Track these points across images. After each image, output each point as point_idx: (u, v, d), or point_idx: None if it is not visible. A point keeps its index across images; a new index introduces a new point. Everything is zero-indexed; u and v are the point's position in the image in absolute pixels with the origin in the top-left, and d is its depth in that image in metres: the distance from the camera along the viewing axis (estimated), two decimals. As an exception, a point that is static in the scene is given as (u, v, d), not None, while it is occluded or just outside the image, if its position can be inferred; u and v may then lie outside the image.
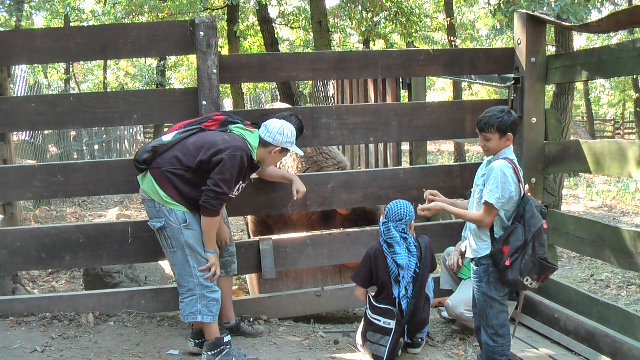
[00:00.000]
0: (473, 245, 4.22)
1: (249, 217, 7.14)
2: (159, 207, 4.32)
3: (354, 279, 4.85)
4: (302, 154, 4.93)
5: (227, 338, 4.44)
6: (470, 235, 4.26)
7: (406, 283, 4.58)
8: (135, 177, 4.58)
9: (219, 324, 4.69)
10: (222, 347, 4.37)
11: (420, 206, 4.37)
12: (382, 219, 4.76)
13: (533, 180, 5.38)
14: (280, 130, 4.51)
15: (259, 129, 4.62)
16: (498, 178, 3.96)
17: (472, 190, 4.43)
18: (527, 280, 3.95)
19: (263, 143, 4.52)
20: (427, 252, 4.70)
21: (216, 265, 4.41)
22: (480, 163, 4.51)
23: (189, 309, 4.35)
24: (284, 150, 4.61)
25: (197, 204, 4.33)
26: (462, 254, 5.15)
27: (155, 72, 26.65)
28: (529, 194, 4.25)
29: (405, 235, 4.64)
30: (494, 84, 7.67)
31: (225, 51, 21.15)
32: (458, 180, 5.56)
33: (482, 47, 22.69)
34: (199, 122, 4.64)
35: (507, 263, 3.93)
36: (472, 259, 4.24)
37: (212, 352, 4.36)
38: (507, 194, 3.98)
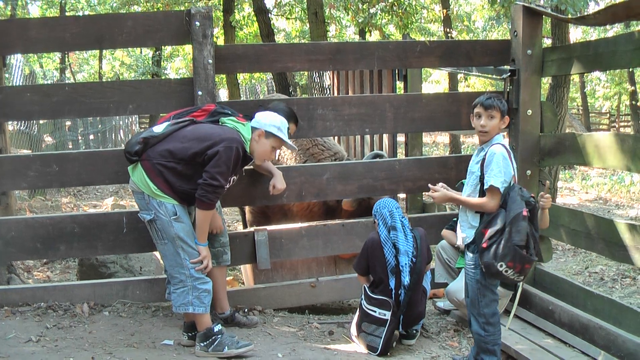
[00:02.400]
0: (466, 233, 4.26)
1: (246, 208, 7.14)
2: (149, 200, 4.30)
3: (355, 269, 4.90)
4: (288, 140, 4.74)
5: (217, 328, 4.43)
6: (463, 225, 4.31)
7: (406, 273, 4.60)
8: (130, 167, 4.57)
9: (213, 314, 4.70)
10: (213, 338, 4.37)
11: (430, 187, 4.48)
12: (382, 211, 4.77)
13: (528, 172, 5.39)
14: (266, 116, 4.56)
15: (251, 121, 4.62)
16: (500, 162, 4.06)
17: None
18: (501, 266, 3.88)
19: (253, 131, 4.53)
20: (422, 243, 4.72)
21: (208, 258, 4.42)
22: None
23: (181, 300, 4.35)
24: (270, 137, 4.55)
25: (187, 197, 4.34)
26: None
27: (151, 62, 26.64)
28: (547, 200, 4.40)
29: (404, 221, 4.70)
30: (490, 76, 7.65)
31: (221, 41, 21.08)
32: (453, 172, 5.56)
33: (479, 39, 22.66)
34: (188, 112, 4.65)
35: (484, 245, 3.96)
36: (467, 247, 4.26)
37: (205, 343, 4.36)
38: (509, 178, 4.08)
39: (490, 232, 3.96)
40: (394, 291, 4.62)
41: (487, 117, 4.23)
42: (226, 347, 4.34)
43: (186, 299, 4.33)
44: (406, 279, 4.60)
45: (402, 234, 4.66)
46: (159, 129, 4.42)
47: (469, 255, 4.23)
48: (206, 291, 4.38)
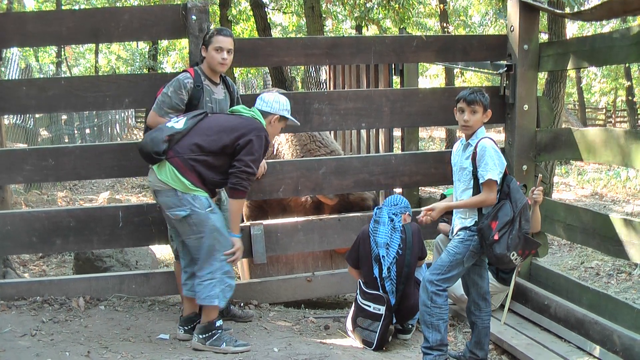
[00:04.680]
0: (461, 223, 4.25)
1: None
2: (182, 196, 4.26)
3: (347, 259, 4.94)
4: (298, 124, 4.96)
5: (218, 323, 4.43)
6: (456, 218, 4.31)
7: (389, 263, 4.62)
8: (126, 161, 4.56)
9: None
10: (213, 332, 4.38)
11: (424, 208, 4.39)
12: (376, 208, 4.85)
13: (524, 167, 5.39)
14: (275, 99, 4.62)
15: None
16: (493, 156, 4.09)
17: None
18: (513, 255, 4.04)
19: (263, 115, 4.57)
20: (413, 237, 4.73)
21: (241, 250, 4.46)
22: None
23: (207, 292, 4.32)
24: (282, 120, 4.68)
25: (213, 189, 4.43)
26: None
27: (147, 56, 26.61)
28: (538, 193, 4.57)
29: (394, 218, 4.71)
30: (486, 71, 7.66)
31: (217, 36, 21.00)
32: (449, 167, 5.55)
33: (475, 34, 22.64)
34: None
35: (496, 237, 4.01)
36: (462, 229, 4.25)
37: (204, 335, 4.37)
38: (502, 169, 4.12)
39: (500, 223, 4.03)
40: (378, 279, 4.65)
41: (470, 112, 4.22)
42: (224, 344, 4.34)
43: (213, 291, 4.32)
44: (385, 270, 4.64)
45: (384, 227, 4.70)
46: (179, 124, 4.36)
47: (460, 233, 4.24)
48: (230, 286, 4.39)
